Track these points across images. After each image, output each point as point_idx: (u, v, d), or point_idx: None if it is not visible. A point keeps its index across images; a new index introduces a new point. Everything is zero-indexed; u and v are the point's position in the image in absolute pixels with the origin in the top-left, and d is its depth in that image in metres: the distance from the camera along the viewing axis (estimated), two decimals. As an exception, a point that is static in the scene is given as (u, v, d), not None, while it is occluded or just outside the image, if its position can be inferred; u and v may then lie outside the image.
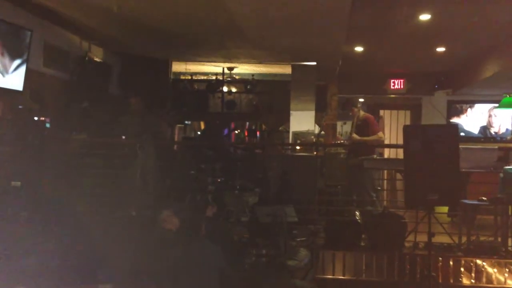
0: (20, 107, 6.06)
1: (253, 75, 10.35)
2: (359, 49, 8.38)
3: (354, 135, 7.14)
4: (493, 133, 10.49)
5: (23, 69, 5.96)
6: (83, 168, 6.29)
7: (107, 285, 3.70)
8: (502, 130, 10.46)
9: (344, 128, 12.11)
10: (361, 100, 10.79)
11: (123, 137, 6.97)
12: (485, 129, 10.53)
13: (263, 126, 11.32)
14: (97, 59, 8.05)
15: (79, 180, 5.98)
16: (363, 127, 7.12)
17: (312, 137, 8.62)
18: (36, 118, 6.21)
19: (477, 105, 10.58)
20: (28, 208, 4.51)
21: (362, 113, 7.28)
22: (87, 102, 7.52)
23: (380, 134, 7.24)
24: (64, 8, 6.50)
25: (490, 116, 10.50)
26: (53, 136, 6.40)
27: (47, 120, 6.38)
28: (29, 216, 4.45)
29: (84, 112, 7.36)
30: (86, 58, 7.58)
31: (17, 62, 5.89)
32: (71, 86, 7.29)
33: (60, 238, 4.11)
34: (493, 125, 10.52)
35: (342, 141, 9.43)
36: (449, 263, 5.71)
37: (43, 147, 5.76)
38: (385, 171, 8.05)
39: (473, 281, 5.68)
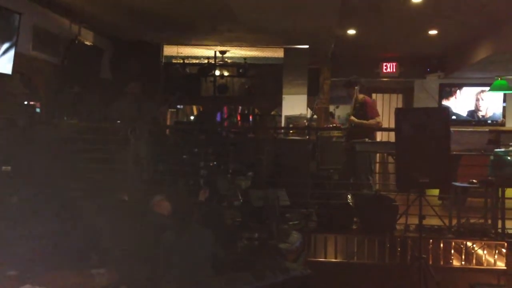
0: (9, 91, 6.01)
1: (245, 58, 10.29)
2: (351, 32, 8.34)
3: (352, 118, 7.06)
4: (481, 117, 10.54)
5: (11, 52, 5.88)
6: (74, 153, 6.25)
7: (101, 269, 3.69)
8: (489, 114, 10.50)
9: (336, 111, 12.12)
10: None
11: (117, 121, 6.92)
12: (473, 113, 10.57)
13: (256, 110, 11.29)
14: (87, 43, 7.96)
15: (71, 165, 5.96)
16: (361, 110, 7.03)
17: (305, 121, 8.60)
18: (26, 103, 6.16)
19: (465, 88, 10.60)
20: (19, 192, 4.49)
21: (361, 96, 7.15)
22: (78, 87, 7.47)
23: (378, 119, 7.08)
24: (53, -10, 6.43)
25: (477, 99, 10.54)
26: (43, 120, 6.35)
27: (37, 104, 6.33)
28: (20, 200, 4.43)
29: (75, 97, 7.30)
30: (76, 42, 7.49)
31: (6, 45, 5.82)
32: (62, 70, 7.22)
33: (52, 222, 4.10)
34: (481, 108, 10.55)
35: (336, 125, 9.43)
36: (439, 245, 5.76)
37: (33, 132, 5.72)
38: (377, 154, 8.06)
39: (463, 262, 5.74)
